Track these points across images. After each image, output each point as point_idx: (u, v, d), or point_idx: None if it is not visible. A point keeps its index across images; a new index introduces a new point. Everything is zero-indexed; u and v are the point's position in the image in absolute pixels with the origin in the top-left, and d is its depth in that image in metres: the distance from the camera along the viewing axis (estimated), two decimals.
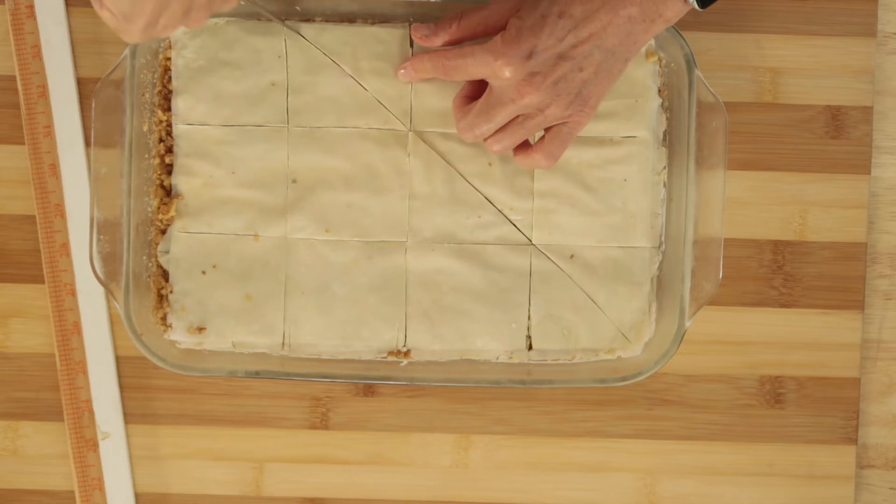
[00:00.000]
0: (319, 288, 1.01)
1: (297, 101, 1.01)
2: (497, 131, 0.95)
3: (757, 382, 1.07)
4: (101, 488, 1.05)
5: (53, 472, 1.06)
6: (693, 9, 0.91)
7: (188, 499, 1.06)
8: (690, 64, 0.99)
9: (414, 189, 1.02)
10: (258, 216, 1.01)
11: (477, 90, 0.98)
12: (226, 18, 1.01)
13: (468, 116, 0.96)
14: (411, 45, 1.01)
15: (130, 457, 1.06)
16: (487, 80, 0.94)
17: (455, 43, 0.97)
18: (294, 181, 1.01)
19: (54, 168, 1.05)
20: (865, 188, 1.07)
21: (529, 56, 0.90)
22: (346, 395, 1.06)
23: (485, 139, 0.96)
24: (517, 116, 0.94)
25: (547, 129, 0.95)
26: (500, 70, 0.91)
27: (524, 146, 0.97)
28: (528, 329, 1.02)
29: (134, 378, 1.06)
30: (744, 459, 1.07)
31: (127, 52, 0.98)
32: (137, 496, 1.06)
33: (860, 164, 1.07)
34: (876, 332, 1.08)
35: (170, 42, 1.01)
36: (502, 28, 0.93)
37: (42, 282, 1.05)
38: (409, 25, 1.00)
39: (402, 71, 0.99)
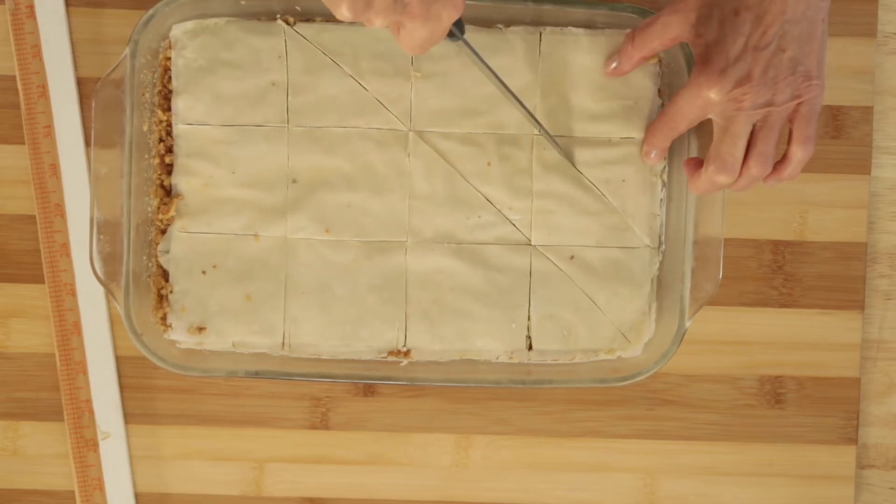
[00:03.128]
0: (319, 288, 1.01)
1: (297, 101, 1.01)
2: (748, 153, 0.92)
3: (757, 382, 1.07)
4: (101, 488, 1.05)
5: (53, 472, 1.06)
6: None
7: (188, 499, 1.06)
8: (690, 65, 0.99)
9: (414, 189, 1.02)
10: (258, 216, 1.01)
11: (699, 164, 0.96)
12: (226, 18, 1.01)
13: (711, 157, 0.93)
14: None
15: (130, 457, 1.06)
16: (710, 116, 0.93)
17: (640, 63, 0.98)
18: (294, 181, 1.01)
19: (54, 168, 1.05)
20: (865, 188, 1.07)
21: (726, 68, 0.89)
22: (346, 395, 1.06)
23: (744, 167, 0.92)
24: (755, 128, 0.91)
25: (789, 121, 0.92)
26: (707, 97, 0.90)
27: (776, 166, 0.94)
28: (528, 329, 1.02)
29: (134, 378, 1.06)
30: (744, 459, 1.07)
31: (127, 51, 0.98)
32: (137, 496, 1.06)
33: (860, 164, 1.07)
34: (876, 332, 1.08)
35: (170, 42, 1.01)
36: (680, 38, 0.93)
37: (42, 282, 1.05)
38: None
39: (652, 156, 1.00)
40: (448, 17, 0.85)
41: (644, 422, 1.07)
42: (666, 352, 1.00)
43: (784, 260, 1.07)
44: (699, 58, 0.91)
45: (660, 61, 1.02)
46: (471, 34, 1.01)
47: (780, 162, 0.93)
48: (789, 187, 1.06)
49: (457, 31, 0.92)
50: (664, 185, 1.02)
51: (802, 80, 0.90)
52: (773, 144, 0.92)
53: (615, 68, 0.99)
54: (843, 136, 1.07)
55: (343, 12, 0.81)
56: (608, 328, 1.02)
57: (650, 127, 0.99)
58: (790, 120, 0.92)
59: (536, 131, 1.01)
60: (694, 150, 0.99)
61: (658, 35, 0.95)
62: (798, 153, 0.92)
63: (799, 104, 0.91)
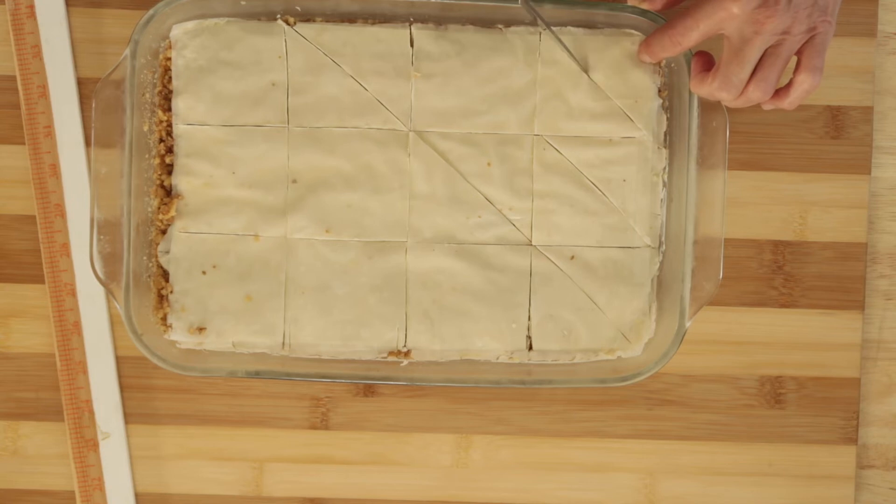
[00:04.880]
0: (320, 288, 1.01)
1: (297, 101, 1.01)
2: (753, 74, 0.91)
3: (757, 382, 1.07)
4: (101, 488, 1.05)
5: (53, 472, 1.06)
6: None
7: (188, 499, 1.06)
8: (690, 64, 0.99)
9: (414, 189, 1.02)
10: (258, 216, 1.01)
11: (707, 62, 0.96)
12: (226, 18, 1.01)
13: (718, 73, 0.92)
14: (412, 44, 1.01)
15: (130, 457, 1.06)
16: (723, 32, 0.91)
17: (675, 2, 0.96)
18: (294, 181, 1.01)
19: (54, 168, 1.05)
20: (865, 188, 1.07)
21: None
22: (346, 395, 1.06)
23: (745, 89, 0.92)
24: (765, 53, 0.91)
25: (798, 52, 0.92)
26: (730, 9, 0.88)
27: (777, 92, 0.94)
28: (529, 329, 1.02)
29: (134, 378, 1.06)
30: (744, 459, 1.07)
31: (127, 51, 0.98)
32: (137, 496, 1.06)
33: (860, 164, 1.07)
34: (876, 332, 1.08)
35: (170, 42, 1.01)
36: None
37: (42, 282, 1.05)
38: (410, 24, 1.01)
39: (644, 56, 0.98)
40: None
41: (644, 422, 1.07)
42: (666, 352, 1.00)
43: (784, 260, 1.07)
44: None
45: (660, 61, 1.02)
46: (471, 34, 1.01)
47: (784, 88, 0.93)
48: (789, 187, 1.06)
49: None
50: (665, 185, 1.02)
51: (819, 14, 0.90)
52: (778, 73, 0.92)
53: (676, 43, 0.94)
54: (843, 136, 1.07)
55: None
56: (608, 328, 1.02)
57: (655, 32, 0.97)
58: (799, 51, 0.92)
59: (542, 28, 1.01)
60: (693, 149, 0.99)
61: None
62: (805, 82, 0.92)
63: (812, 36, 0.91)
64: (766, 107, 0.95)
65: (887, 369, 1.08)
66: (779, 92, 0.94)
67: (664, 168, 1.02)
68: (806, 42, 0.91)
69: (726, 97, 0.93)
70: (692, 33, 0.92)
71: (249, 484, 1.06)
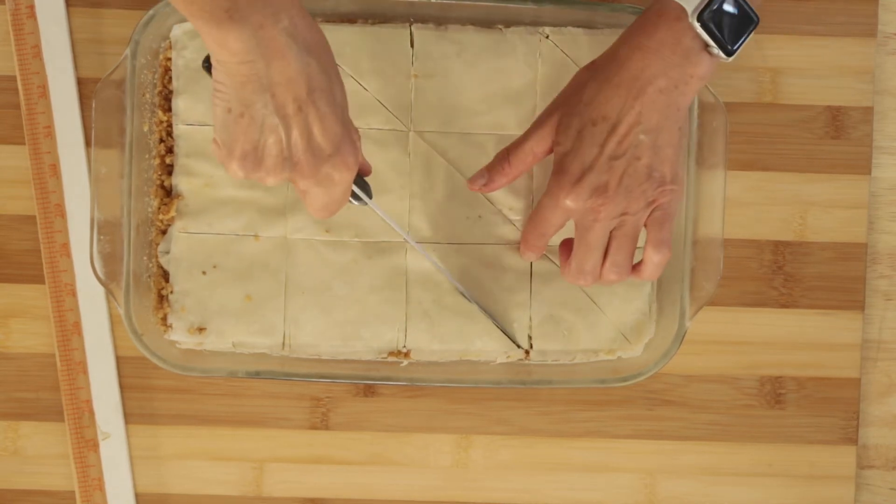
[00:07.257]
0: (320, 288, 1.01)
1: None
2: (605, 258, 0.93)
3: (757, 383, 1.07)
4: (101, 488, 1.05)
5: (53, 472, 1.06)
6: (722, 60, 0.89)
7: (188, 499, 1.06)
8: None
9: (414, 189, 1.02)
10: (258, 216, 1.01)
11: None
12: None
13: (572, 263, 0.94)
14: (412, 44, 1.01)
15: (130, 457, 1.06)
16: (572, 219, 0.93)
17: (513, 181, 0.97)
18: None
19: (54, 168, 1.05)
20: (865, 188, 1.07)
21: (582, 176, 0.90)
22: (346, 396, 1.06)
23: (601, 273, 0.94)
24: (612, 235, 0.92)
25: (645, 225, 0.93)
26: (564, 205, 0.91)
27: (635, 267, 0.94)
28: (529, 329, 1.02)
29: (134, 378, 1.06)
30: (744, 459, 1.07)
31: (127, 52, 0.98)
32: (137, 496, 1.06)
33: (860, 164, 1.07)
34: (876, 332, 1.08)
35: (170, 42, 1.01)
36: (549, 150, 0.94)
37: (42, 282, 1.05)
38: (410, 24, 1.01)
39: (528, 256, 0.99)
40: (341, 180, 0.84)
41: (644, 422, 1.07)
42: (666, 352, 1.00)
43: (784, 260, 1.07)
44: (557, 166, 0.92)
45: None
46: (471, 34, 1.01)
47: (639, 263, 0.94)
48: (789, 187, 1.07)
49: (363, 195, 0.88)
50: None
51: (657, 186, 0.90)
52: (629, 253, 0.93)
53: (484, 185, 0.97)
54: (843, 136, 1.07)
55: (234, 171, 0.83)
56: (609, 328, 1.02)
57: (523, 231, 0.98)
58: (645, 224, 0.92)
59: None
60: (693, 149, 0.99)
61: (531, 151, 0.95)
62: (653, 257, 0.93)
63: (654, 210, 0.91)
64: (630, 279, 0.95)
65: (887, 369, 1.08)
66: (636, 266, 0.94)
67: None
68: (649, 216, 0.92)
69: (585, 284, 0.94)
70: (548, 226, 0.94)
71: (249, 484, 1.06)
